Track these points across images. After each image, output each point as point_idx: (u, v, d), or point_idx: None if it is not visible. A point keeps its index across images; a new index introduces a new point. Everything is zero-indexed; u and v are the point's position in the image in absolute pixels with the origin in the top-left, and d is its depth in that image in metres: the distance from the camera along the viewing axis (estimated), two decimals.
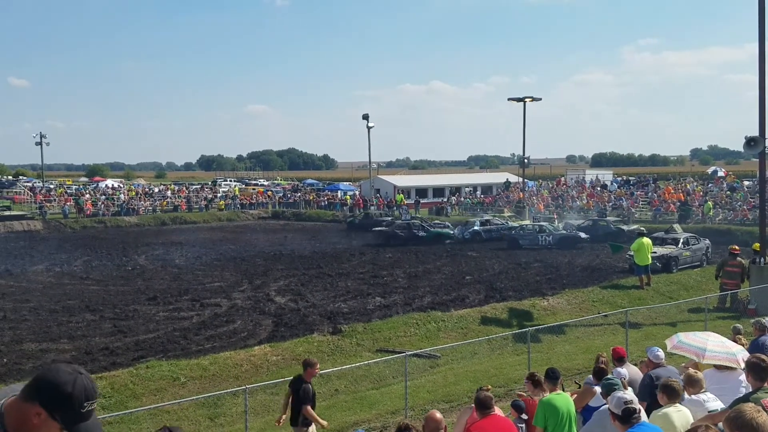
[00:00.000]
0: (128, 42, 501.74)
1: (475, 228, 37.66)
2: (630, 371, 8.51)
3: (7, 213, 48.41)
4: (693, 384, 6.57)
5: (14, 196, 62.03)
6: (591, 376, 8.51)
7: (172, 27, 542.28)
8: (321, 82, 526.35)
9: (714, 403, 6.36)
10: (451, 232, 37.44)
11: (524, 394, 8.46)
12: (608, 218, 38.83)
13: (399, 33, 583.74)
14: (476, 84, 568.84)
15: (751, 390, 5.78)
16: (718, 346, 8.12)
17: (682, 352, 8.55)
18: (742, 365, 7.53)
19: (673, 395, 6.13)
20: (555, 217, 42.87)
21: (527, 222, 38.79)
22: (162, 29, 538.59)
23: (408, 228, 36.82)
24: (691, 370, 6.92)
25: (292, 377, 9.48)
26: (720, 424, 4.40)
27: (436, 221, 41.89)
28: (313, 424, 9.05)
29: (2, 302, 20.95)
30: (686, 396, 6.72)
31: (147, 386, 13.12)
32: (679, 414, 5.96)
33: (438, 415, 6.28)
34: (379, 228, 38.40)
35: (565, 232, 34.41)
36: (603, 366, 8.44)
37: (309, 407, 8.86)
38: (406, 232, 36.35)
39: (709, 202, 41.82)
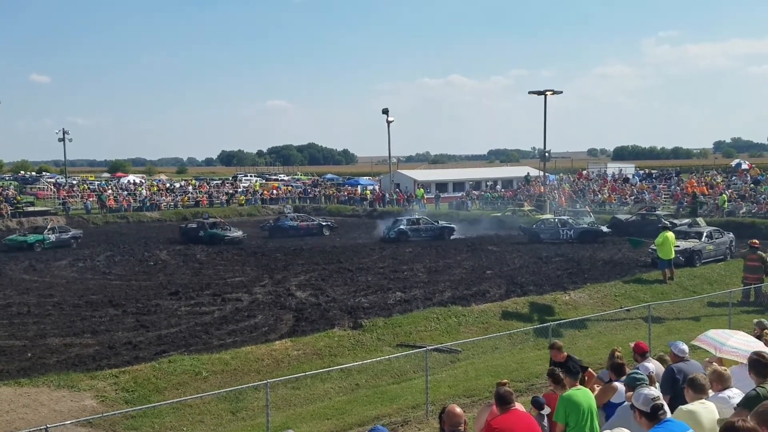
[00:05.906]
0: (148, 38, 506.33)
1: (401, 227, 35.92)
2: (655, 366, 8.43)
3: (30, 209, 49.04)
4: (721, 380, 6.47)
5: (38, 192, 62.92)
6: (606, 370, 8.40)
7: (191, 22, 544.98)
8: (340, 76, 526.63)
9: (740, 399, 6.25)
10: (229, 235, 36.10)
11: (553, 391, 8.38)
12: (658, 212, 35.77)
13: (416, 26, 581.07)
14: (495, 77, 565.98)
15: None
16: (741, 344, 7.97)
17: (702, 344, 8.45)
18: None
19: (700, 390, 6.05)
20: (588, 210, 40.68)
21: (549, 215, 37.93)
22: (182, 24, 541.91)
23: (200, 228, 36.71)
24: (720, 367, 6.80)
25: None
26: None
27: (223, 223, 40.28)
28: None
29: (26, 297, 21.23)
30: (711, 392, 6.63)
31: (169, 380, 13.25)
32: (706, 410, 5.88)
33: (458, 409, 6.08)
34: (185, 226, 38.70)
35: (586, 225, 33.94)
36: (620, 361, 8.34)
37: None
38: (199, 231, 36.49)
39: (723, 195, 40.80)
